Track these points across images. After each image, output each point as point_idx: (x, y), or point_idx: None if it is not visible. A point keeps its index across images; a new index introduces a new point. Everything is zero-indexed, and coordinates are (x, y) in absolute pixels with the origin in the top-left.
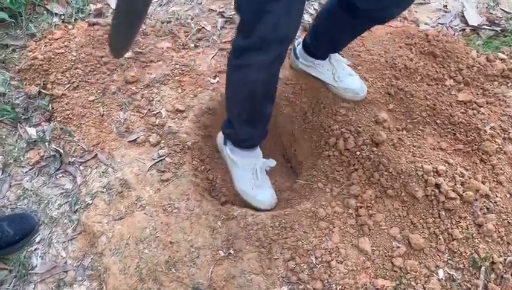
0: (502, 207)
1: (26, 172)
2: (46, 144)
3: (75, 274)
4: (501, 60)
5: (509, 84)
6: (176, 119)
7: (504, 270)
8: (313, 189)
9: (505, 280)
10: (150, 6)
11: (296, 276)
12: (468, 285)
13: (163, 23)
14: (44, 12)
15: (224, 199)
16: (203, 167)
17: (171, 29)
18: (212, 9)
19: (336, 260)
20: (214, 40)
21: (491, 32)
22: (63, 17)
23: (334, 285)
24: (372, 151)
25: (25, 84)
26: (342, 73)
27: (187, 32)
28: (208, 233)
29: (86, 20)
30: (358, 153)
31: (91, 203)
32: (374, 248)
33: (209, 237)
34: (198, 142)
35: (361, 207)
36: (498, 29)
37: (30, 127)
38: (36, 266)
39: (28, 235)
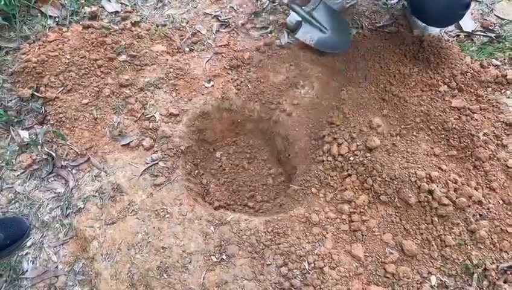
0: (495, 214)
1: (18, 175)
2: (39, 147)
3: (66, 279)
4: (495, 66)
5: (502, 91)
6: (170, 123)
7: (497, 277)
8: (306, 194)
9: (497, 287)
10: (145, 9)
11: (288, 282)
12: None
13: (158, 26)
14: (39, 14)
15: (217, 203)
16: (196, 171)
17: (166, 33)
18: (207, 13)
19: (329, 266)
20: (209, 44)
21: (485, 39)
22: (57, 19)
23: None
24: (366, 157)
25: (18, 87)
26: None
27: (182, 35)
28: (200, 238)
29: (81, 22)
30: (351, 158)
31: (83, 208)
32: (366, 254)
33: (201, 242)
34: (191, 146)
35: (354, 213)
36: (492, 35)
37: (23, 130)
38: (27, 270)
39: (19, 240)
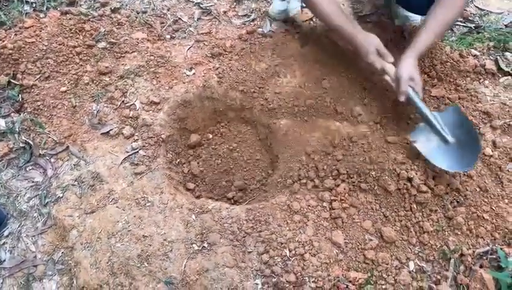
0: (472, 201)
1: None
2: (16, 135)
3: (45, 269)
4: (474, 56)
5: (481, 80)
6: (151, 112)
7: (473, 262)
8: (288, 182)
9: (473, 272)
10: None
11: (269, 269)
12: (438, 277)
13: (138, 13)
14: (15, 0)
15: (199, 192)
16: (178, 160)
17: (147, 20)
18: (189, 0)
19: (310, 253)
20: (191, 32)
21: (464, 29)
22: (34, 5)
23: (307, 278)
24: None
25: None
26: None
27: (163, 23)
28: (181, 226)
29: (58, 8)
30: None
31: (62, 197)
32: (346, 241)
33: (182, 230)
34: (173, 134)
35: (335, 200)
36: (472, 25)
37: None
38: (4, 260)
39: None
